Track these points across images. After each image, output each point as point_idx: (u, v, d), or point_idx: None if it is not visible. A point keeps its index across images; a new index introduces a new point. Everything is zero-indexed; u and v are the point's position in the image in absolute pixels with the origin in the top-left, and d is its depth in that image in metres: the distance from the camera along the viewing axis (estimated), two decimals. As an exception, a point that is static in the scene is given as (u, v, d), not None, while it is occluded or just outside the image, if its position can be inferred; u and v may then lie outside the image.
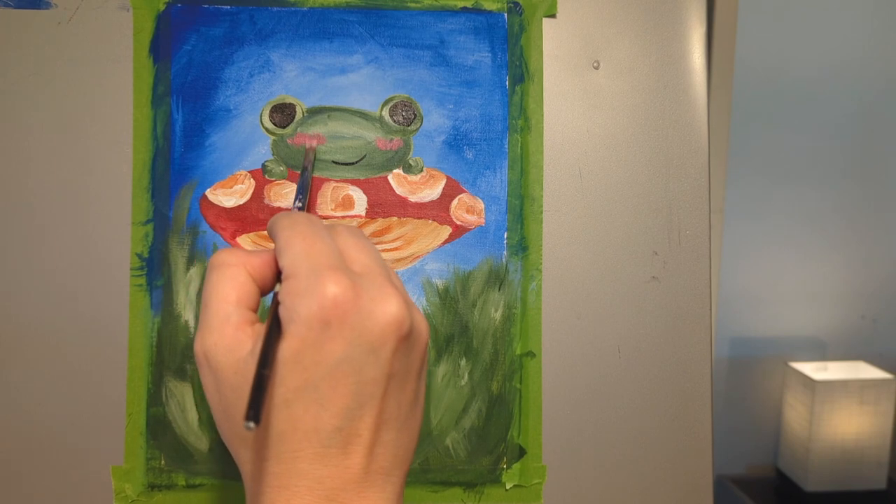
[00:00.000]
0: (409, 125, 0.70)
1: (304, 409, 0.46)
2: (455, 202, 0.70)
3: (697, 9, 0.73)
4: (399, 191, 0.70)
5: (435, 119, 0.70)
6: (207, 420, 0.69)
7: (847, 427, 1.44)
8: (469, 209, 0.71)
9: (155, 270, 0.68)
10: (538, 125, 0.71)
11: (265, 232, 0.69)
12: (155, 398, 0.68)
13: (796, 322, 1.58)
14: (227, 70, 0.69)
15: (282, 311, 0.48)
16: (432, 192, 0.70)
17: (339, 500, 0.46)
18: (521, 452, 0.71)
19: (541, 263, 0.71)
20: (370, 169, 0.70)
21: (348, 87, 0.70)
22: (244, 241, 0.69)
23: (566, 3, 0.71)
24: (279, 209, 0.69)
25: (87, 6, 0.68)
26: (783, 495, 1.50)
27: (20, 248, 0.68)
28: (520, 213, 0.71)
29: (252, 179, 0.69)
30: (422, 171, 0.70)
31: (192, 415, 0.69)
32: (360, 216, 0.70)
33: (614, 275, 0.72)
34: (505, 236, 0.71)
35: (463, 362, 0.71)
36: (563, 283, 0.71)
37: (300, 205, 0.62)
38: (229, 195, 0.69)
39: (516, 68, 0.71)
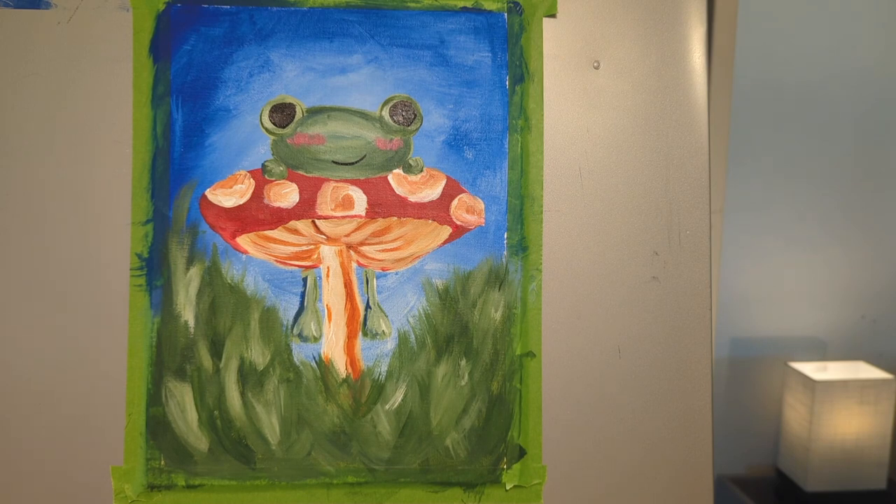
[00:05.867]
0: (409, 125, 0.70)
1: None
2: (455, 202, 0.70)
3: (697, 9, 0.73)
4: (399, 191, 0.70)
5: (435, 119, 0.70)
6: (207, 420, 0.69)
7: (847, 427, 1.44)
8: (469, 209, 0.71)
9: (155, 270, 0.68)
10: (538, 125, 0.71)
11: (265, 232, 0.69)
12: (155, 398, 0.68)
13: (796, 322, 1.58)
14: (227, 70, 0.69)
15: None
16: (432, 192, 0.70)
17: None
18: (521, 453, 0.71)
19: (541, 263, 0.71)
20: (370, 169, 0.70)
21: (348, 87, 0.70)
22: (244, 240, 0.69)
23: (566, 3, 0.71)
24: (279, 209, 0.69)
25: (87, 6, 0.68)
26: (783, 495, 1.49)
27: (20, 248, 0.68)
28: (520, 213, 0.71)
29: (252, 179, 0.69)
30: (422, 171, 0.70)
31: (192, 415, 0.69)
32: (359, 216, 0.70)
33: (614, 275, 0.72)
34: (505, 236, 0.71)
35: (463, 362, 0.71)
36: (563, 283, 0.71)
37: None
38: (229, 195, 0.69)
39: (516, 68, 0.71)
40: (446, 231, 0.70)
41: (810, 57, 1.53)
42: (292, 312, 0.69)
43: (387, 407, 0.70)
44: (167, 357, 0.68)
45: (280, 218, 0.69)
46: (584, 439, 0.72)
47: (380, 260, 0.70)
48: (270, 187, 0.69)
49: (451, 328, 0.70)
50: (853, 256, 1.60)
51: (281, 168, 0.69)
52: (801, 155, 1.56)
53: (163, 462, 0.69)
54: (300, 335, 0.70)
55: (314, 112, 0.69)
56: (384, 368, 0.70)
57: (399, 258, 0.70)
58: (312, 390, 0.69)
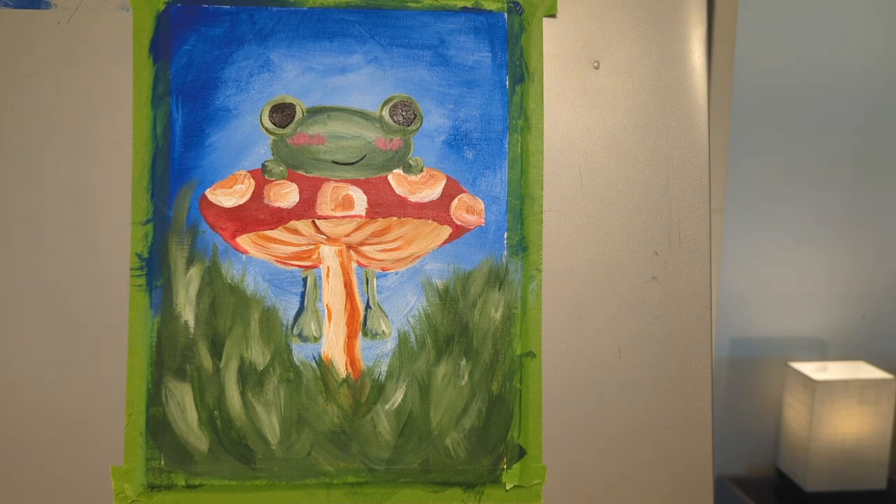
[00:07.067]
0: (409, 125, 0.70)
1: None
2: (455, 202, 0.70)
3: (697, 9, 0.73)
4: (399, 191, 0.70)
5: (435, 119, 0.70)
6: (207, 420, 0.69)
7: (847, 427, 1.44)
8: (469, 209, 0.71)
9: (155, 270, 0.68)
10: (538, 125, 0.71)
11: (265, 232, 0.69)
12: (155, 398, 0.68)
13: (796, 322, 1.58)
14: (227, 70, 0.69)
15: None
16: (432, 192, 0.70)
17: None
18: (521, 452, 0.71)
19: (541, 263, 0.71)
20: (370, 169, 0.70)
21: (348, 87, 0.70)
22: (244, 240, 0.69)
23: (566, 3, 0.71)
24: (279, 209, 0.69)
25: (87, 6, 0.68)
26: (783, 495, 1.49)
27: (19, 248, 0.68)
28: (520, 213, 0.71)
29: (252, 179, 0.69)
30: (422, 171, 0.70)
31: (192, 415, 0.69)
32: (360, 216, 0.70)
33: (614, 275, 0.72)
34: (505, 236, 0.71)
35: (463, 362, 0.71)
36: (563, 283, 0.71)
37: None
38: (229, 195, 0.69)
39: (516, 68, 0.71)
40: (446, 231, 0.70)
41: (810, 57, 1.53)
42: (292, 312, 0.69)
43: (387, 407, 0.70)
44: (167, 357, 0.68)
45: (280, 218, 0.69)
46: (584, 439, 0.71)
47: (380, 260, 0.70)
48: (270, 187, 0.69)
49: (451, 328, 0.70)
50: (853, 256, 1.60)
51: (281, 168, 0.69)
52: (801, 155, 1.56)
53: (163, 462, 0.69)
54: (300, 335, 0.70)
55: (314, 112, 0.69)
56: (384, 368, 0.70)
57: (399, 258, 0.70)
58: (312, 390, 0.69)
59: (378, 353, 0.70)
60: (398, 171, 0.70)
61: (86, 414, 0.68)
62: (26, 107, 0.67)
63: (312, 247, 0.70)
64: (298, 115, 0.69)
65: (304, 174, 0.69)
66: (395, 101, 0.70)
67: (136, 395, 0.68)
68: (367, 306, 0.70)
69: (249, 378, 0.69)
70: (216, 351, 0.69)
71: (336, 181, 0.70)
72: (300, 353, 0.70)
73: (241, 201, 0.69)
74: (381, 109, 0.70)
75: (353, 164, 0.70)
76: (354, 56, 0.70)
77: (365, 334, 0.70)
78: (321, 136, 0.69)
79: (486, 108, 0.71)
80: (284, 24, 0.69)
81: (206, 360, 0.69)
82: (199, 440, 0.69)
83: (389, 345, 0.70)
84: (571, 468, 0.71)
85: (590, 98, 0.72)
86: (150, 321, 0.68)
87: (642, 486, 0.72)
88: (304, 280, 0.70)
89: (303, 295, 0.69)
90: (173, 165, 0.68)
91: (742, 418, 1.61)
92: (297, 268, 0.70)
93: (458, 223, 0.71)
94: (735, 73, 1.51)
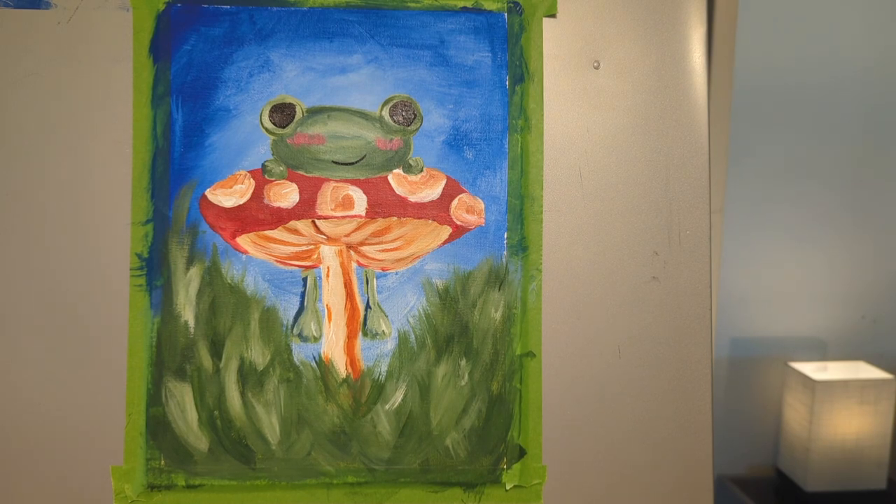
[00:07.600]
0: (409, 125, 0.70)
1: None
2: (455, 202, 0.70)
3: (697, 9, 0.73)
4: (399, 191, 0.70)
5: (435, 119, 0.70)
6: (207, 420, 0.69)
7: (847, 427, 1.44)
8: (469, 209, 0.71)
9: (155, 270, 0.68)
10: (538, 125, 0.71)
11: (265, 232, 0.69)
12: (155, 398, 0.68)
13: (796, 322, 1.58)
14: (227, 70, 0.69)
15: None
16: (432, 192, 0.70)
17: None
18: (521, 453, 0.71)
19: (541, 263, 0.71)
20: (370, 169, 0.70)
21: (348, 87, 0.70)
22: (244, 240, 0.69)
23: (566, 3, 0.71)
24: (279, 209, 0.69)
25: (87, 6, 0.68)
26: (783, 495, 1.49)
27: (19, 249, 0.68)
28: (520, 213, 0.71)
29: (252, 179, 0.69)
30: (422, 171, 0.70)
31: (192, 415, 0.69)
32: (359, 216, 0.70)
33: (614, 275, 0.72)
34: (505, 236, 0.71)
35: (463, 362, 0.71)
36: (563, 283, 0.71)
37: None
38: (229, 195, 0.69)
39: (516, 68, 0.71)
40: (446, 231, 0.70)
41: (810, 57, 1.53)
42: (292, 312, 0.69)
43: (387, 407, 0.70)
44: (167, 357, 0.68)
45: (280, 218, 0.69)
46: (584, 439, 0.71)
47: (380, 260, 0.70)
48: (270, 187, 0.69)
49: (451, 328, 0.70)
50: (853, 256, 1.60)
51: (281, 168, 0.69)
52: (800, 155, 1.56)
53: (163, 462, 0.69)
54: (300, 335, 0.70)
55: (314, 112, 0.69)
56: (384, 368, 0.70)
57: (399, 258, 0.70)
58: (312, 390, 0.70)
59: (378, 353, 0.70)
60: (398, 171, 0.70)
61: (86, 414, 0.68)
62: (26, 107, 0.67)
63: (312, 247, 0.70)
64: (298, 115, 0.69)
65: (304, 174, 0.69)
66: (395, 101, 0.70)
67: (136, 395, 0.68)
68: (367, 306, 0.70)
69: (249, 378, 0.69)
70: (216, 351, 0.69)
71: (336, 181, 0.70)
72: (300, 353, 0.70)
73: (241, 201, 0.69)
74: (381, 109, 0.70)
75: (353, 164, 0.70)
76: (354, 56, 0.70)
77: (365, 334, 0.70)
78: (321, 136, 0.69)
79: (486, 108, 0.71)
80: (284, 24, 0.69)
81: (206, 360, 0.69)
82: (199, 440, 0.69)
83: (389, 345, 0.70)
84: (571, 468, 0.71)
85: (590, 98, 0.72)
86: (150, 321, 0.68)
87: (642, 486, 0.72)
88: (304, 280, 0.70)
89: (303, 295, 0.70)
90: (173, 165, 0.68)
91: (742, 418, 1.61)
92: (297, 268, 0.70)
93: (458, 223, 0.71)
94: (735, 73, 1.51)
